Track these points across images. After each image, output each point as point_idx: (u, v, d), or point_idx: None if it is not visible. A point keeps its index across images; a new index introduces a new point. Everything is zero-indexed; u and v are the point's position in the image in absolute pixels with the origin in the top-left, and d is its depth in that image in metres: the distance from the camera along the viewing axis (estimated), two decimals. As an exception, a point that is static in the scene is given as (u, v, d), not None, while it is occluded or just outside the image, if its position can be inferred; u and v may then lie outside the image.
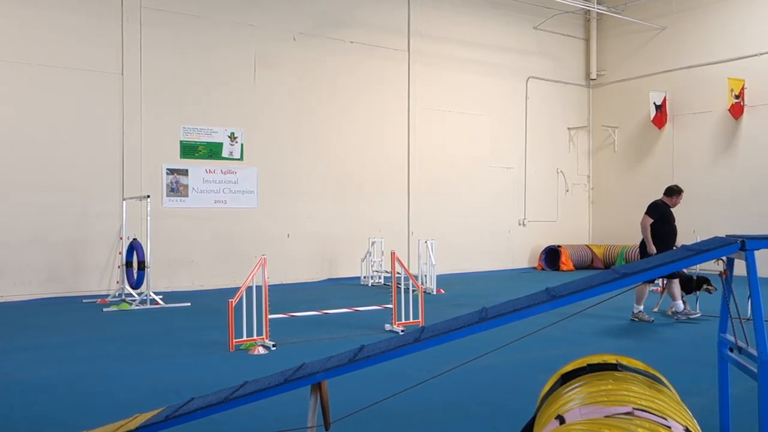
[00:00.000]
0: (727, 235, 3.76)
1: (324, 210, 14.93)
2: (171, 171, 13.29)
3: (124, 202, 12.10)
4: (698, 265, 10.08)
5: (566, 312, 3.97)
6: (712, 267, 9.07)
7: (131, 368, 6.52)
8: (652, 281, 9.81)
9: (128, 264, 11.43)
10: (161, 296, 11.31)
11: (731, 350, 3.88)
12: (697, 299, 9.51)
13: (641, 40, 18.08)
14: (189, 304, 11.10)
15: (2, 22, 11.75)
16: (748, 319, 4.19)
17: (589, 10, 18.61)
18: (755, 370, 3.38)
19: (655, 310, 9.86)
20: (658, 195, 9.99)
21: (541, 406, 3.23)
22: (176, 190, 13.31)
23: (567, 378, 3.23)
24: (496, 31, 17.64)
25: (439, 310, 9.85)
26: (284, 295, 11.67)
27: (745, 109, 15.72)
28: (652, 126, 17.53)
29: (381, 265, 14.13)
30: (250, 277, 7.48)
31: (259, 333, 7.49)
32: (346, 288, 13.67)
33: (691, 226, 14.50)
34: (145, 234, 11.30)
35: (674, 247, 9.11)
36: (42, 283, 11.95)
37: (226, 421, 4.61)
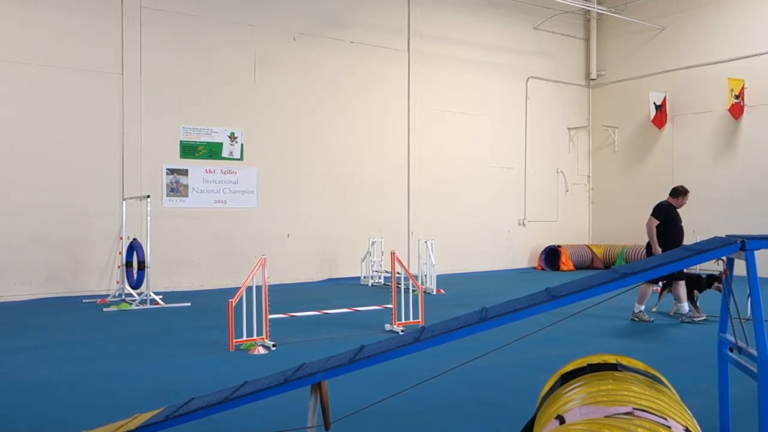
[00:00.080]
0: (727, 235, 3.75)
1: (324, 210, 14.93)
2: (171, 171, 13.29)
3: (124, 202, 12.10)
4: (698, 266, 10.09)
5: (566, 312, 3.97)
6: (712, 267, 9.02)
7: (131, 368, 6.52)
8: (656, 282, 9.77)
9: (128, 264, 11.43)
10: (161, 296, 11.31)
11: (731, 350, 3.88)
12: (696, 299, 9.49)
13: (641, 40, 18.08)
14: (189, 304, 11.10)
15: (2, 22, 11.75)
16: (748, 319, 4.19)
17: (589, 10, 18.61)
18: (755, 370, 3.38)
19: (654, 310, 9.87)
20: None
21: (541, 406, 3.23)
22: (176, 190, 13.31)
23: (567, 378, 3.23)
24: (496, 31, 17.65)
25: (439, 310, 9.85)
26: (284, 295, 11.67)
27: (745, 109, 15.73)
28: (652, 126, 17.54)
29: (381, 265, 14.13)
30: (250, 277, 7.48)
31: (259, 333, 7.49)
32: (346, 288, 13.67)
33: (691, 226, 14.44)
34: (145, 234, 11.30)
35: None
36: (42, 283, 11.96)
37: (226, 421, 4.61)
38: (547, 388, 3.35)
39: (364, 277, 14.27)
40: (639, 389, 2.88)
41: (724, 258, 3.79)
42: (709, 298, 9.67)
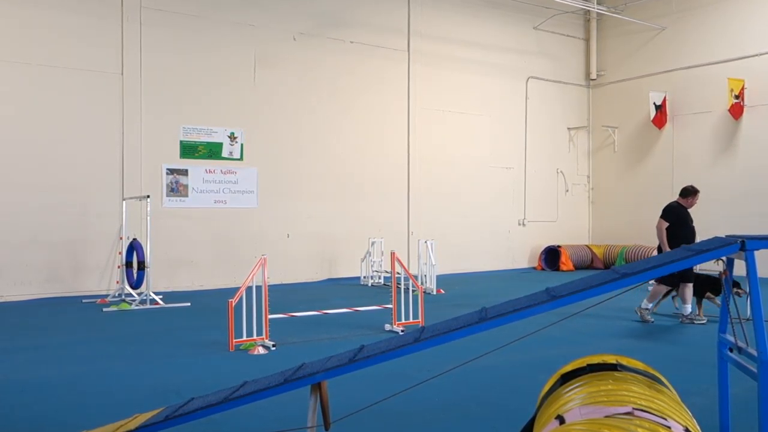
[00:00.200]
0: (727, 235, 3.76)
1: (324, 210, 14.93)
2: (171, 171, 13.29)
3: (124, 202, 12.10)
4: (696, 267, 10.05)
5: (566, 312, 3.97)
6: (712, 267, 9.05)
7: (131, 368, 6.52)
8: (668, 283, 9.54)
9: (128, 264, 11.43)
10: (161, 296, 11.31)
11: (731, 350, 3.88)
12: (709, 300, 9.41)
13: (641, 40, 18.09)
14: (189, 304, 11.10)
15: (2, 22, 11.75)
16: (747, 320, 4.19)
17: (589, 10, 18.61)
18: (755, 370, 3.38)
19: (654, 310, 9.83)
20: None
21: (541, 406, 3.23)
22: (176, 190, 13.31)
23: (567, 378, 3.23)
24: (495, 31, 17.65)
25: (439, 310, 9.85)
26: (284, 295, 11.67)
27: (745, 109, 15.73)
28: (652, 126, 17.54)
29: (381, 265, 14.13)
30: (250, 277, 7.48)
31: (259, 333, 7.49)
32: (346, 288, 13.67)
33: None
34: (145, 234, 11.30)
35: None
36: (42, 283, 11.96)
37: (226, 421, 4.61)
38: (547, 388, 3.35)
39: (364, 277, 14.28)
40: (639, 389, 2.88)
41: (724, 258, 3.79)
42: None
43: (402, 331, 8.25)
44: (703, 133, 16.71)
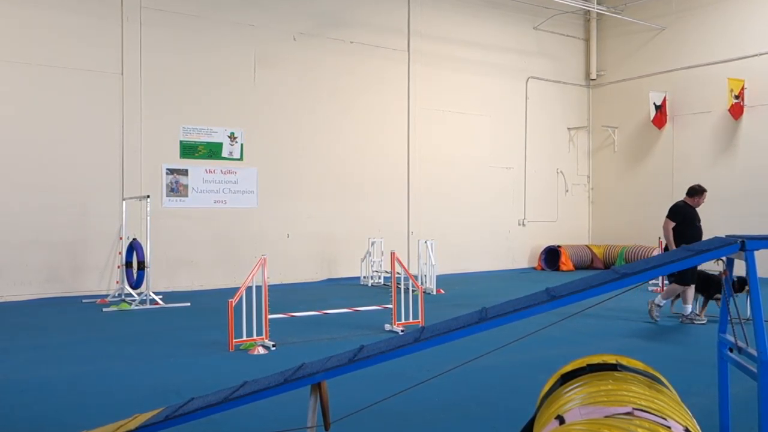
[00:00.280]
0: (727, 235, 3.76)
1: (324, 210, 14.93)
2: (171, 171, 13.29)
3: (124, 202, 12.10)
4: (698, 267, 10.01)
5: (566, 312, 3.97)
6: (712, 267, 9.01)
7: (131, 368, 6.52)
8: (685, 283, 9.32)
9: (128, 264, 11.43)
10: (161, 296, 11.31)
11: (731, 350, 3.88)
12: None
13: (641, 40, 18.09)
14: (189, 304, 11.10)
15: (2, 22, 11.75)
16: (747, 320, 4.19)
17: (589, 11, 18.61)
18: (755, 370, 3.38)
19: (672, 309, 9.69)
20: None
21: (541, 406, 3.23)
22: (176, 190, 13.31)
23: (567, 378, 3.23)
24: (495, 32, 17.65)
25: (439, 310, 9.85)
26: (284, 295, 11.67)
27: (745, 109, 15.73)
28: (652, 126, 17.54)
29: (381, 265, 14.13)
30: (250, 277, 7.48)
31: (259, 333, 7.49)
32: (346, 288, 13.67)
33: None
34: (145, 234, 11.30)
35: None
36: (42, 283, 11.96)
37: (226, 421, 4.61)
38: (547, 388, 3.35)
39: (364, 277, 14.28)
40: (639, 389, 2.88)
41: (724, 258, 3.79)
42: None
43: (402, 331, 8.25)
44: (703, 133, 16.71)
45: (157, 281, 12.26)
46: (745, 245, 3.35)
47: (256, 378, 3.88)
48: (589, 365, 3.25)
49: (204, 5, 13.59)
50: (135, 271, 11.16)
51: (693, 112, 16.90)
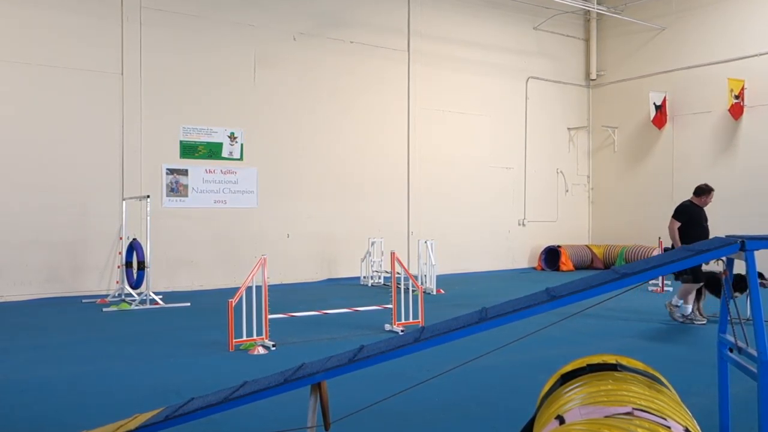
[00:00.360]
0: (727, 235, 3.76)
1: (324, 210, 14.93)
2: (171, 171, 13.29)
3: (124, 202, 12.10)
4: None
5: (566, 312, 3.97)
6: (711, 267, 8.97)
7: (131, 368, 6.52)
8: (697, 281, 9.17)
9: (128, 264, 11.43)
10: (161, 296, 11.31)
11: (731, 350, 3.88)
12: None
13: (641, 40, 18.09)
14: (189, 304, 11.10)
15: (2, 22, 11.75)
16: (747, 320, 4.19)
17: (589, 11, 18.61)
18: (755, 370, 3.38)
19: (701, 310, 9.54)
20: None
21: (541, 406, 3.23)
22: (176, 190, 13.31)
23: (567, 378, 3.23)
24: (495, 32, 17.65)
25: (439, 310, 9.85)
26: (284, 295, 11.67)
27: (744, 109, 15.73)
28: (652, 126, 17.54)
29: (381, 265, 14.13)
30: (250, 277, 7.48)
31: (259, 333, 7.49)
32: (346, 288, 13.67)
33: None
34: (145, 234, 11.30)
35: None
36: (42, 283, 11.95)
37: (226, 421, 4.61)
38: (547, 388, 3.35)
39: (364, 277, 14.28)
40: (639, 389, 2.88)
41: (724, 258, 3.79)
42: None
43: (402, 331, 8.25)
44: (703, 133, 16.71)
45: (157, 281, 12.26)
46: (745, 245, 3.35)
47: (256, 378, 3.88)
48: (589, 365, 3.25)
49: (204, 5, 13.59)
50: (135, 271, 11.16)
51: (693, 112, 16.90)
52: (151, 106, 13.02)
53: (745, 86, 15.61)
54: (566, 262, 17.43)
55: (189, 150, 13.46)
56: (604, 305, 4.45)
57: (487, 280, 15.32)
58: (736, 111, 15.73)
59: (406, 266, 9.87)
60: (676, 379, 3.95)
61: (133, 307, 10.73)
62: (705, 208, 9.28)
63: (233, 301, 7.24)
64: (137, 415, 4.03)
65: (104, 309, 10.63)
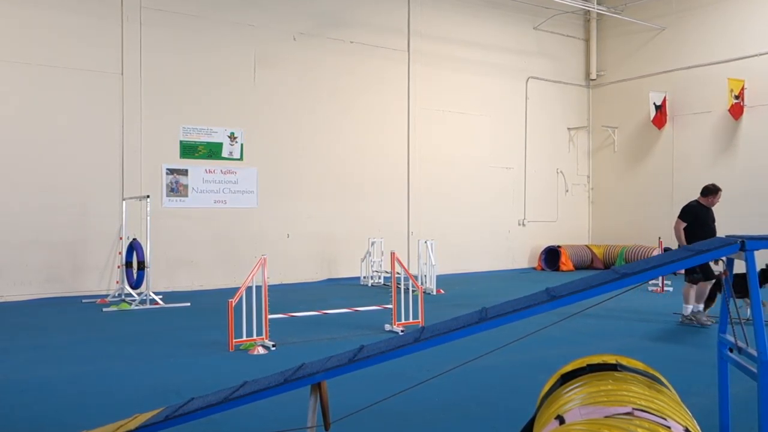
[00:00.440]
0: (727, 235, 3.75)
1: (324, 210, 14.93)
2: (171, 171, 13.29)
3: (124, 202, 12.10)
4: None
5: (566, 312, 3.97)
6: (721, 267, 8.93)
7: (131, 368, 6.52)
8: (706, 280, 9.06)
9: (128, 264, 11.43)
10: (161, 296, 11.31)
11: (731, 351, 3.88)
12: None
13: (641, 40, 18.09)
14: (189, 304, 11.10)
15: (2, 22, 11.75)
16: (747, 320, 4.19)
17: (589, 11, 18.61)
18: (755, 370, 3.38)
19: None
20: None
21: (540, 406, 3.23)
22: (176, 190, 13.31)
23: (567, 378, 3.23)
24: (495, 32, 17.65)
25: (439, 310, 9.85)
26: (284, 295, 11.67)
27: (744, 109, 15.73)
28: (652, 126, 17.54)
29: (381, 266, 14.13)
30: (250, 277, 7.48)
31: (259, 333, 7.49)
32: (346, 288, 13.67)
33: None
34: (145, 234, 11.30)
35: None
36: (42, 283, 11.96)
37: (226, 421, 4.61)
38: (546, 388, 3.35)
39: (364, 277, 14.28)
40: (639, 389, 2.88)
41: (724, 258, 3.79)
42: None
43: (402, 331, 8.25)
44: (703, 133, 16.71)
45: (157, 281, 12.26)
46: (745, 245, 3.35)
47: (256, 378, 3.88)
48: (589, 365, 3.25)
49: (204, 5, 13.59)
50: (135, 271, 11.16)
51: (693, 112, 16.90)
52: (151, 106, 13.02)
53: (745, 86, 15.62)
54: (566, 262, 17.43)
55: (189, 150, 13.46)
56: (604, 305, 4.45)
57: (487, 280, 15.32)
58: (736, 111, 15.74)
59: (406, 266, 9.87)
60: (676, 379, 3.95)
61: (133, 307, 10.73)
62: (714, 209, 9.17)
63: (233, 301, 7.24)
64: (137, 415, 4.03)
65: (104, 309, 10.63)
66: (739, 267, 3.79)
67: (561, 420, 2.63)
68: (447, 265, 15.56)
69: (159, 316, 10.00)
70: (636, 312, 9.87)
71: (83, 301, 11.60)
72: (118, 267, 12.03)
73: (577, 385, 3.07)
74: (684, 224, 8.91)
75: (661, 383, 3.22)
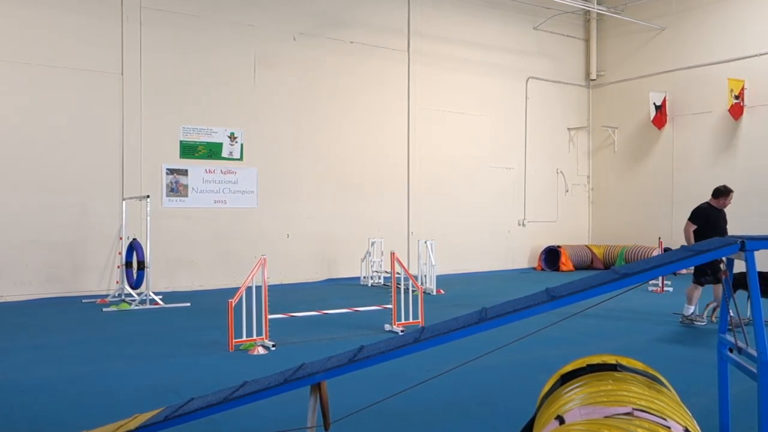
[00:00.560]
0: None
1: (324, 210, 14.93)
2: (171, 171, 13.29)
3: (124, 202, 12.10)
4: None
5: (566, 312, 3.96)
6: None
7: (131, 368, 6.52)
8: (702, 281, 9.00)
9: (128, 264, 11.43)
10: (161, 296, 11.31)
11: (731, 351, 3.88)
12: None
13: (641, 40, 18.09)
14: (189, 304, 11.10)
15: (2, 22, 11.75)
16: (747, 320, 4.19)
17: (589, 11, 18.61)
18: (755, 370, 3.38)
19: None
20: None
21: (540, 406, 3.23)
22: (176, 190, 13.31)
23: (567, 378, 3.23)
24: (495, 32, 17.65)
25: (439, 310, 9.85)
26: (284, 295, 11.67)
27: (744, 109, 15.73)
28: (652, 126, 17.54)
29: (381, 266, 14.13)
30: (250, 277, 7.48)
31: (259, 333, 7.49)
32: (346, 288, 13.67)
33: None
34: (145, 234, 11.30)
35: None
36: (42, 283, 11.95)
37: (226, 421, 4.61)
38: (546, 388, 3.35)
39: (364, 278, 14.27)
40: (638, 390, 2.88)
41: (724, 258, 3.79)
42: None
43: (402, 331, 8.25)
44: (703, 134, 16.71)
45: (157, 281, 12.26)
46: (745, 245, 3.35)
47: (256, 378, 3.88)
48: (589, 365, 3.25)
49: (204, 5, 13.59)
50: (135, 271, 11.16)
51: (693, 112, 16.91)
52: (151, 106, 13.02)
53: (745, 86, 15.62)
54: (566, 263, 17.43)
55: (189, 150, 13.46)
56: (604, 305, 4.45)
57: (487, 280, 15.32)
58: (736, 111, 15.74)
59: (406, 266, 9.87)
60: (676, 379, 3.95)
61: (133, 307, 10.73)
62: (726, 210, 9.07)
63: (233, 301, 7.24)
64: (137, 415, 4.03)
65: (104, 309, 10.63)
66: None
67: (561, 420, 2.63)
68: (447, 265, 15.56)
69: (159, 316, 10.00)
70: (636, 312, 9.87)
71: (83, 301, 11.60)
72: (118, 267, 12.02)
73: (577, 385, 3.07)
74: (694, 226, 8.80)
75: (661, 383, 3.22)
